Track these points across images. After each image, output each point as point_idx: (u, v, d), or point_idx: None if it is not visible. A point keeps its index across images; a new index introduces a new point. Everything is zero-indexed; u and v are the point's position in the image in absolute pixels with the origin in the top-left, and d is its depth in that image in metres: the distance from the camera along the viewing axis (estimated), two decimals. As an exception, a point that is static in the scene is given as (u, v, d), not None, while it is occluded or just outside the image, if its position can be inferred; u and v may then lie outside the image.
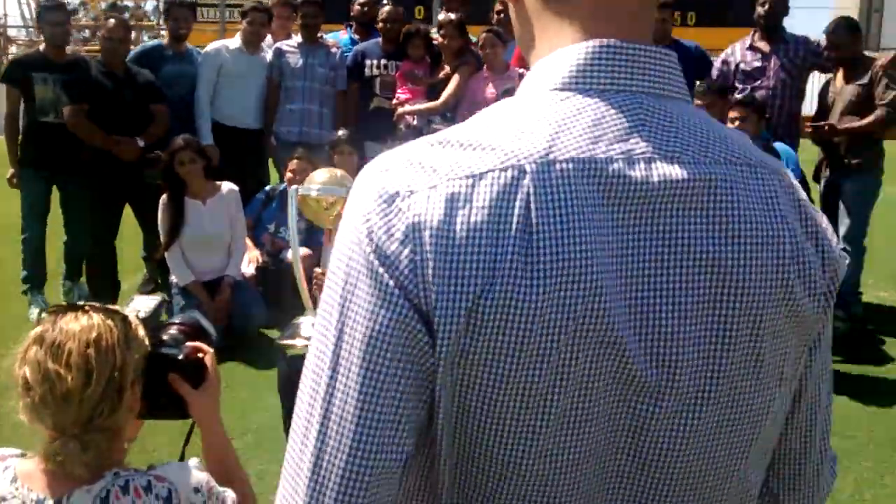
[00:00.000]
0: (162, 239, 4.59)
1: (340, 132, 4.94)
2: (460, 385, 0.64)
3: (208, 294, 4.50)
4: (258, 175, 5.60)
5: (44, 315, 1.31)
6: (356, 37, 5.91)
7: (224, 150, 5.33)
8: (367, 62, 5.41)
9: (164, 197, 4.55)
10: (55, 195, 5.09)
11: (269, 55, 5.47)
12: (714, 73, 5.04)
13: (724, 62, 5.06)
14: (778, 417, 0.74)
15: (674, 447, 0.68)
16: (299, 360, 0.74)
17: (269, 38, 5.64)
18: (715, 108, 4.48)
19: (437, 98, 5.15)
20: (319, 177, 3.24)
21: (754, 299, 0.67)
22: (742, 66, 4.93)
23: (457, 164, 0.65)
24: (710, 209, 0.66)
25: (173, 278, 4.60)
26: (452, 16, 5.25)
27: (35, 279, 5.08)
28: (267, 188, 5.24)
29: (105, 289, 4.90)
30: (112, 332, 1.24)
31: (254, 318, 4.55)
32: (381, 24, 5.41)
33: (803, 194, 0.74)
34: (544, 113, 0.67)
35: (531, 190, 0.63)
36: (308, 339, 2.81)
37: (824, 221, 0.74)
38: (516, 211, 0.62)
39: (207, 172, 4.61)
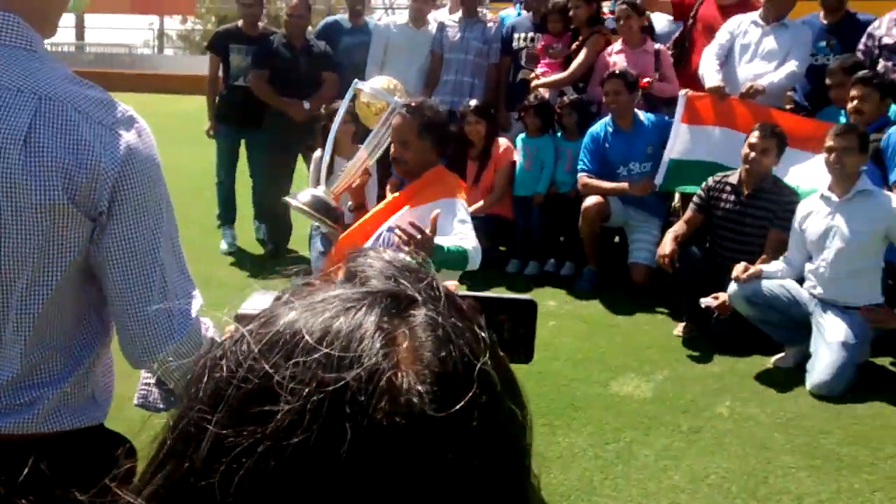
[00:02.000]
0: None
1: (470, 102, 5.33)
2: None
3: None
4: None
5: None
6: (524, 12, 6.21)
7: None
8: (515, 35, 5.72)
9: (316, 152, 5.21)
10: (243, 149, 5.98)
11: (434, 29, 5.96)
12: (860, 48, 4.77)
13: (870, 35, 4.75)
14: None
15: None
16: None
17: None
18: (843, 89, 4.29)
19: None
20: (377, 82, 3.64)
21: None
22: (885, 40, 4.62)
23: None
24: None
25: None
26: None
27: (226, 217, 6.02)
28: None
29: (281, 230, 5.75)
30: None
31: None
32: None
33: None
34: None
35: None
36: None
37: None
38: None
39: (355, 137, 5.19)
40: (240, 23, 5.98)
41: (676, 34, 5.49)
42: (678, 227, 4.40)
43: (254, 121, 5.70)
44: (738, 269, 3.82)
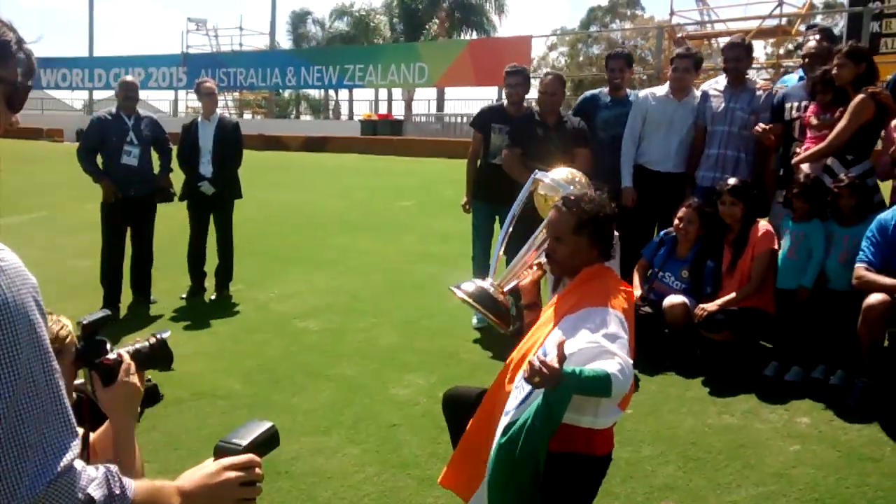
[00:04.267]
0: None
1: (728, 180, 4.76)
2: None
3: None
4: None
5: None
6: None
7: (643, 193, 5.59)
8: (787, 105, 5.03)
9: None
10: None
11: (697, 100, 5.50)
12: None
13: None
14: None
15: None
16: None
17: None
18: None
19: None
20: (559, 173, 3.34)
21: None
22: None
23: None
24: None
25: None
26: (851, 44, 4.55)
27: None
28: (662, 232, 5.31)
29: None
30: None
31: None
32: (804, 60, 4.98)
33: None
34: None
35: None
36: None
37: None
38: None
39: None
40: (504, 101, 6.08)
41: None
42: None
43: (508, 198, 5.71)
44: None
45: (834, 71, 4.61)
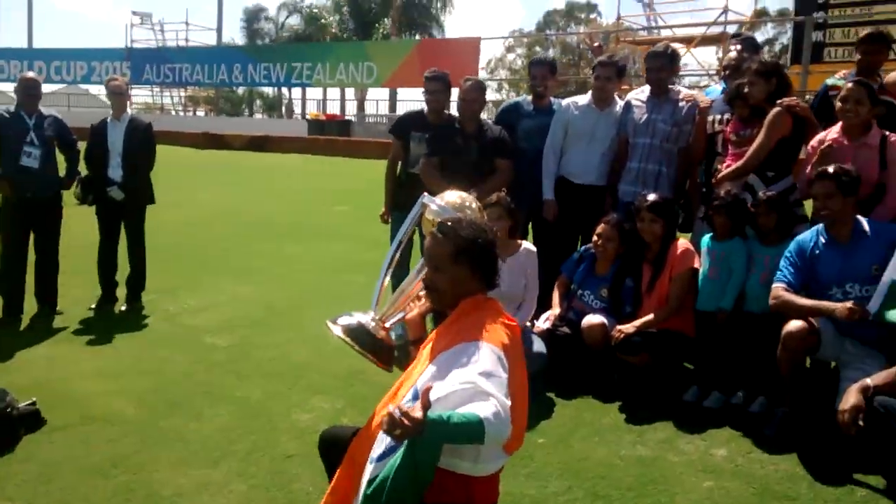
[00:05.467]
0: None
1: (647, 196, 4.56)
2: None
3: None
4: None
5: None
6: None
7: (565, 206, 5.37)
8: (710, 118, 4.85)
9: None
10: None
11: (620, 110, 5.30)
12: None
13: None
14: None
15: None
16: None
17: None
18: None
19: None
20: (450, 196, 3.08)
21: None
22: None
23: None
24: None
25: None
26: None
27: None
28: (582, 248, 5.10)
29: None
30: None
31: (530, 361, 4.44)
32: (724, 71, 4.84)
33: None
34: None
35: None
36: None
37: None
38: None
39: (512, 232, 4.70)
40: (425, 108, 5.83)
41: None
42: (882, 378, 3.28)
43: (426, 209, 5.47)
44: None
45: (746, 90, 4.45)
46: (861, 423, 3.09)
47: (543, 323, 4.72)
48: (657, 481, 3.53)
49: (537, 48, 43.49)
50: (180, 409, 4.45)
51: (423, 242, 2.65)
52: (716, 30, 19.75)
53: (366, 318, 2.89)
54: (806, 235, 4.02)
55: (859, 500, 3.35)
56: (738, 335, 4.27)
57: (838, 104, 4.21)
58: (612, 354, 4.50)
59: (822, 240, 3.94)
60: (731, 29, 20.63)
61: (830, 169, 3.85)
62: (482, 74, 33.26)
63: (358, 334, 2.82)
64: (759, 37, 34.88)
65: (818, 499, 3.36)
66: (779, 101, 4.31)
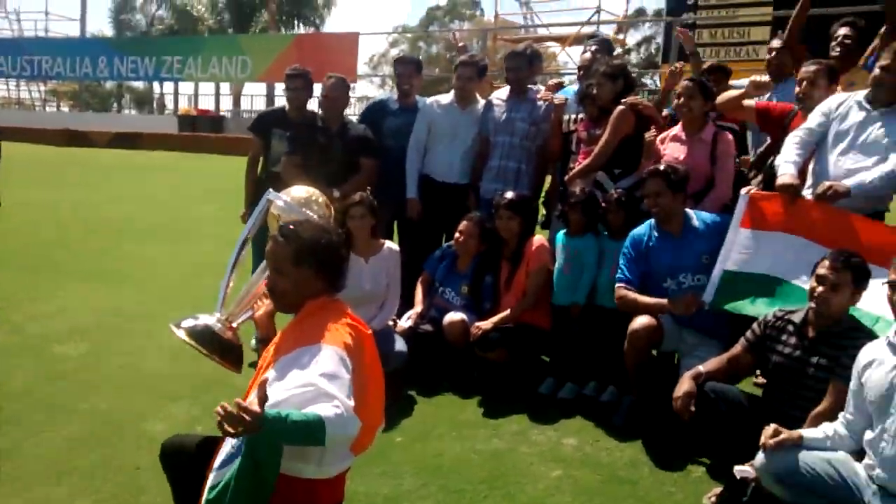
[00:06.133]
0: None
1: (505, 194, 4.66)
2: None
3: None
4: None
5: None
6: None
7: (429, 205, 5.40)
8: (566, 116, 5.01)
9: None
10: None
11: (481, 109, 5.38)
12: None
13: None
14: None
15: None
16: None
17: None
18: None
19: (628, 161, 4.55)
20: (297, 191, 3.06)
21: None
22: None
23: None
24: None
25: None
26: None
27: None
28: (444, 246, 5.15)
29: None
30: None
31: (390, 359, 4.39)
32: (579, 71, 5.03)
33: None
34: None
35: None
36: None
37: None
38: None
39: (375, 232, 4.68)
40: (286, 105, 5.72)
41: (762, 149, 4.58)
42: (713, 364, 3.48)
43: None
44: (766, 433, 2.88)
45: (594, 91, 4.62)
46: (693, 408, 3.26)
47: (405, 321, 4.72)
48: (508, 473, 3.61)
49: (420, 44, 43.64)
50: (18, 426, 4.17)
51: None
52: (589, 29, 20.39)
53: (211, 320, 2.82)
54: (640, 230, 4.22)
55: (694, 480, 3.55)
56: (591, 328, 4.42)
57: (676, 102, 4.44)
58: (472, 351, 4.56)
59: (655, 234, 4.16)
60: (606, 28, 21.41)
61: (660, 167, 4.06)
62: (365, 69, 33.18)
63: (203, 336, 2.75)
64: (637, 36, 36.41)
65: (658, 482, 3.53)
66: (623, 101, 4.48)
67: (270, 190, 3.02)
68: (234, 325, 2.90)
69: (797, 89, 4.33)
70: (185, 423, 4.19)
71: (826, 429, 2.93)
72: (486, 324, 4.48)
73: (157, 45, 25.57)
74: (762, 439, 2.87)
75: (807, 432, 2.92)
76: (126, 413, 4.33)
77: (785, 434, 2.85)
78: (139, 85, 39.47)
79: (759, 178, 4.42)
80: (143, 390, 4.65)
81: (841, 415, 2.96)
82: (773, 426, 2.88)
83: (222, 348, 2.79)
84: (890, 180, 3.70)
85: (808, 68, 4.30)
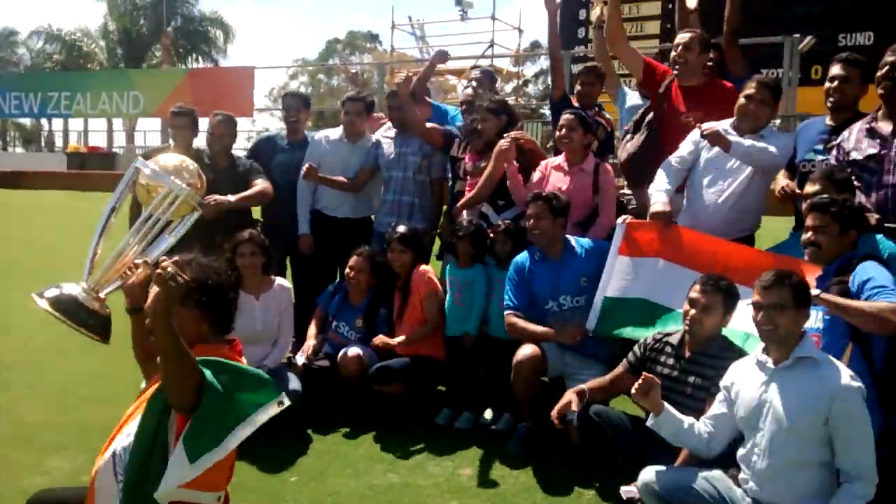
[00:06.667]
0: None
1: (397, 228, 4.71)
2: None
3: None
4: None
5: None
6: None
7: (321, 239, 5.38)
8: (455, 144, 5.13)
9: None
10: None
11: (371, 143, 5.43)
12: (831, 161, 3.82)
13: (839, 147, 3.80)
14: None
15: None
16: None
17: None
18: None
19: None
20: (168, 159, 2.97)
21: None
22: (854, 154, 3.70)
23: None
24: None
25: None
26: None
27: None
28: (336, 281, 5.15)
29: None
30: None
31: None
32: (462, 105, 5.18)
33: None
34: None
35: None
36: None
37: None
38: None
39: (265, 269, 4.63)
40: (172, 143, 5.59)
41: (639, 112, 4.74)
42: (596, 383, 3.61)
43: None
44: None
45: (479, 126, 4.74)
46: (572, 420, 3.38)
47: (300, 357, 4.67)
48: (405, 507, 3.60)
49: (321, 76, 43.50)
50: None
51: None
52: (485, 62, 20.82)
53: (77, 289, 2.70)
54: (521, 256, 4.36)
55: (585, 502, 3.62)
56: (484, 358, 4.48)
57: (557, 134, 4.61)
58: (368, 385, 4.54)
59: (536, 258, 4.29)
60: (500, 62, 21.89)
61: (544, 193, 4.22)
62: (265, 103, 32.77)
63: (67, 306, 2.63)
64: (535, 68, 37.38)
65: (551, 506, 3.59)
66: (505, 135, 4.61)
67: (139, 157, 2.91)
68: (102, 294, 2.77)
69: (673, 53, 4.53)
70: (70, 474, 3.99)
71: (697, 426, 3.11)
72: (392, 341, 4.55)
73: (43, 80, 24.56)
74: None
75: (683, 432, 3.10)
76: (3, 469, 4.09)
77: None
78: (26, 122, 37.82)
79: (644, 135, 4.58)
80: (23, 443, 4.41)
81: (703, 419, 3.12)
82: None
83: (88, 319, 2.66)
84: (761, 152, 3.94)
85: (683, 35, 4.53)
